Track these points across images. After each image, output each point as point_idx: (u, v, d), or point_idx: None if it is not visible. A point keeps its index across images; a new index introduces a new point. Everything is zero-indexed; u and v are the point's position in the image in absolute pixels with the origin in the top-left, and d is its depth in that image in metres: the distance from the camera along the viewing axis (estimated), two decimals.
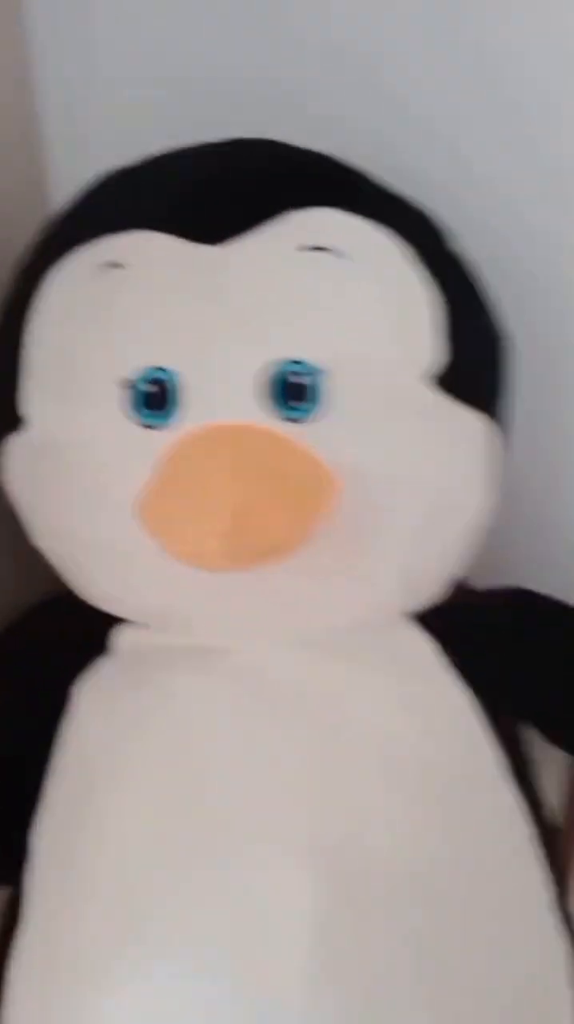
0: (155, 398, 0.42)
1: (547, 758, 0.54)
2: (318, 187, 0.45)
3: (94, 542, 0.45)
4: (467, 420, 0.45)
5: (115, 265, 0.43)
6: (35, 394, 0.44)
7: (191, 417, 0.42)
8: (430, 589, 0.47)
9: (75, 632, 0.48)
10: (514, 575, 0.54)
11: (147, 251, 0.43)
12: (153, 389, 0.42)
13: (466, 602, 0.50)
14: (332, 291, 0.43)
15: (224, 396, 0.42)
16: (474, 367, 0.46)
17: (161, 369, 0.42)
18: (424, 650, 0.47)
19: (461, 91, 0.56)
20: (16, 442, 0.46)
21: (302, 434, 0.41)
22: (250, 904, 0.41)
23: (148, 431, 0.42)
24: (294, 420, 0.42)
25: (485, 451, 0.47)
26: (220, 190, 0.44)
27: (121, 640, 0.47)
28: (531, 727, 0.51)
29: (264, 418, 0.41)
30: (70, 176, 0.59)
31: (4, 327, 0.47)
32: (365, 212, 0.44)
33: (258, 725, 0.44)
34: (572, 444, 0.59)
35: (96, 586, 0.47)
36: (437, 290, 0.45)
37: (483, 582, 0.53)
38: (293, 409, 0.42)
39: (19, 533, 0.48)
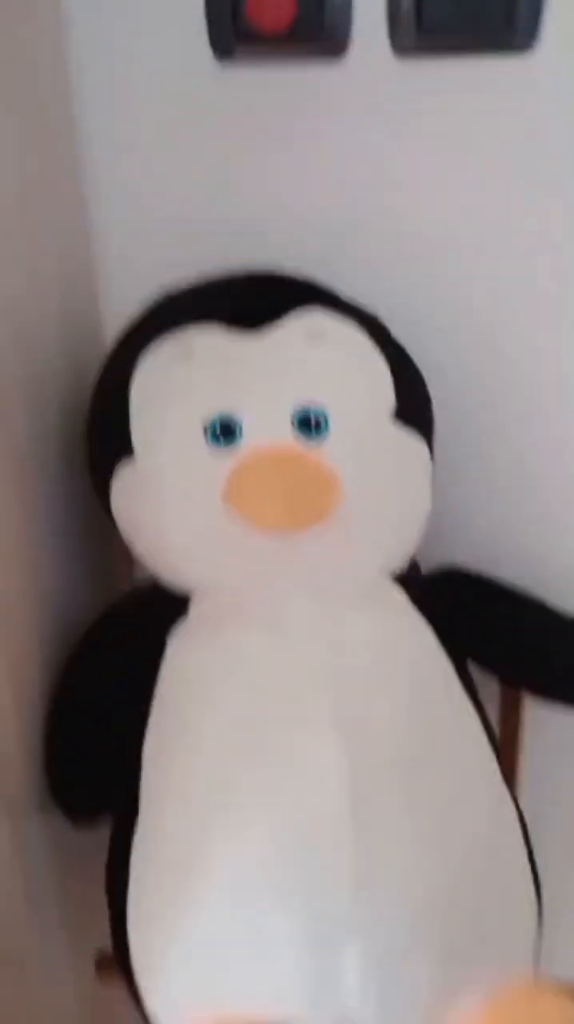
0: (224, 432, 0.65)
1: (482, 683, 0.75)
2: (311, 295, 0.70)
3: (184, 535, 0.66)
4: (414, 443, 0.70)
5: (188, 347, 0.66)
6: (140, 435, 0.67)
7: (248, 444, 0.65)
8: (399, 558, 0.71)
9: (161, 604, 0.69)
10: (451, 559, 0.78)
11: (208, 338, 0.67)
12: (222, 427, 0.65)
13: (418, 574, 0.74)
14: (330, 363, 0.67)
15: (268, 429, 0.65)
16: (413, 409, 0.71)
17: (227, 414, 0.65)
18: (401, 599, 0.70)
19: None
20: (125, 468, 0.67)
21: (317, 451, 0.65)
22: (301, 766, 0.60)
23: (220, 455, 0.65)
24: (312, 442, 0.65)
25: (426, 464, 0.71)
26: (253, 297, 0.69)
27: (196, 608, 0.68)
28: (472, 660, 0.74)
29: (294, 441, 0.65)
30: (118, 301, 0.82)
31: (108, 394, 0.69)
32: (341, 312, 0.70)
33: (296, 659, 0.64)
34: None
35: (183, 570, 0.68)
36: (387, 361, 0.70)
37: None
38: (311, 436, 0.65)
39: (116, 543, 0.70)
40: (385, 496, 0.68)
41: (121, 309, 0.73)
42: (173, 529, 0.67)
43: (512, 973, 0.60)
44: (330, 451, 0.65)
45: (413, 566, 0.73)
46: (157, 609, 0.69)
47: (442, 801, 0.62)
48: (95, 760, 0.68)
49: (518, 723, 0.82)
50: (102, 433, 0.70)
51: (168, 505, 0.66)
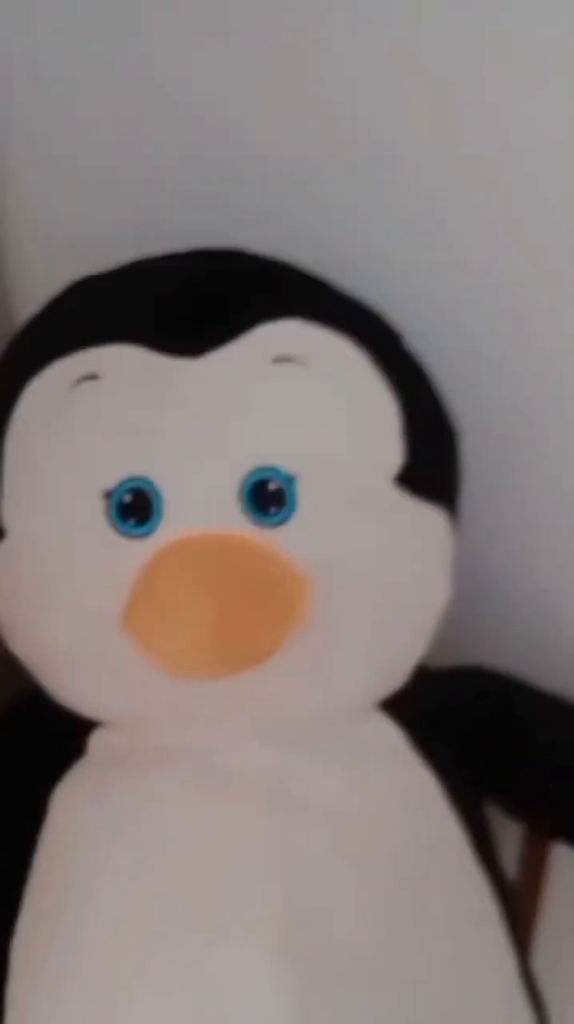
0: (135, 508, 0.43)
1: (503, 827, 0.57)
2: (285, 298, 0.47)
3: (74, 649, 0.46)
4: (427, 515, 0.48)
5: (91, 377, 0.45)
6: (14, 505, 0.46)
7: (170, 526, 0.43)
8: (395, 678, 0.49)
9: (51, 735, 0.49)
10: (470, 652, 0.57)
11: (123, 365, 0.45)
12: (133, 499, 0.43)
13: (426, 685, 0.52)
14: (299, 400, 0.45)
15: (201, 505, 0.43)
16: (432, 464, 0.49)
17: (140, 479, 0.43)
18: (391, 737, 0.49)
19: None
20: None
21: (276, 538, 0.43)
22: (222, 1000, 0.41)
23: (128, 541, 0.43)
24: (269, 525, 0.44)
25: (444, 542, 0.49)
26: (195, 304, 0.46)
27: (96, 743, 0.48)
28: (492, 802, 0.54)
29: (240, 524, 0.43)
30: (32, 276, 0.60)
31: None
32: (327, 321, 0.47)
33: (230, 822, 0.45)
34: (523, 524, 0.62)
35: (71, 690, 0.47)
36: (395, 393, 0.47)
37: (440, 660, 0.55)
38: (267, 515, 0.44)
39: None
40: (382, 600, 0.46)
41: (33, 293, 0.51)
42: (54, 644, 0.46)
43: None
44: (298, 539, 0.44)
45: (419, 674, 0.52)
46: (44, 740, 0.49)
47: None
48: None
49: (542, 869, 0.61)
50: None
51: (48, 611, 0.46)
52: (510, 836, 0.60)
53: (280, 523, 0.44)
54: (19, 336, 0.50)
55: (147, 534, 0.43)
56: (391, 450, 0.46)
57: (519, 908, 0.57)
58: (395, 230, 0.58)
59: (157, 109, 0.59)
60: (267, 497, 0.43)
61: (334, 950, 0.43)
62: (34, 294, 0.52)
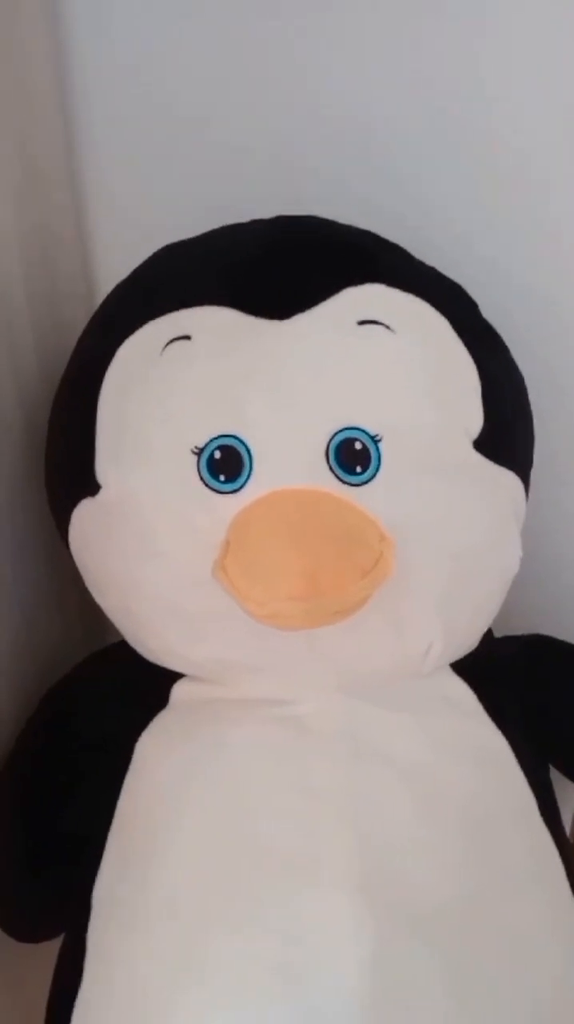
0: (224, 464, 0.44)
1: (565, 791, 0.57)
2: (368, 264, 0.48)
3: (164, 599, 0.46)
4: (504, 479, 0.49)
5: (183, 338, 0.45)
6: (111, 461, 0.46)
7: (259, 483, 0.44)
8: (469, 640, 0.50)
9: (135, 685, 0.50)
10: (530, 621, 0.57)
11: (214, 326, 0.45)
12: (223, 456, 0.44)
13: (494, 649, 0.53)
14: (384, 362, 0.46)
15: (290, 462, 0.44)
16: (509, 430, 0.49)
17: (231, 436, 0.44)
18: (463, 696, 0.50)
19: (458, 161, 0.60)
20: (90, 505, 0.47)
21: (361, 496, 0.44)
22: (303, 945, 0.42)
23: (220, 496, 0.44)
24: (353, 484, 0.44)
25: (518, 507, 0.50)
26: (282, 267, 0.47)
27: (179, 693, 0.49)
28: (555, 766, 0.54)
29: (326, 482, 0.44)
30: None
31: (72, 399, 0.49)
32: (409, 287, 0.48)
33: (308, 770, 0.46)
34: None
35: (160, 641, 0.48)
36: (474, 360, 0.48)
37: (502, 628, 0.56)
38: (352, 473, 0.44)
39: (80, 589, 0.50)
40: (459, 562, 0.47)
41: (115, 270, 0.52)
42: (146, 596, 0.47)
43: None
44: (381, 498, 0.44)
45: (483, 641, 0.53)
46: (129, 691, 0.50)
47: (497, 975, 0.44)
48: (39, 885, 0.51)
49: None
50: (59, 449, 0.50)
51: (141, 563, 0.46)
52: (570, 801, 0.61)
53: (365, 482, 0.44)
54: (108, 300, 0.51)
55: (237, 490, 0.44)
56: (472, 414, 0.47)
57: None
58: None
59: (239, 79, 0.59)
60: (353, 456, 0.44)
61: (408, 899, 0.44)
62: (115, 268, 0.53)
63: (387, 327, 0.46)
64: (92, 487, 0.47)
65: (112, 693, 0.51)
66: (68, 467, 0.49)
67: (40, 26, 0.56)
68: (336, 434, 0.44)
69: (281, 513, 0.43)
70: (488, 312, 0.51)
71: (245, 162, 0.60)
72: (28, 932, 0.53)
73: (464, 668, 0.51)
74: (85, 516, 0.48)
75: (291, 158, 0.60)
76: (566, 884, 0.49)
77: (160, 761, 0.47)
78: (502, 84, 0.57)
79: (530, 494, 0.52)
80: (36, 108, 0.56)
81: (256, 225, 0.50)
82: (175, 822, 0.45)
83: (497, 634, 0.55)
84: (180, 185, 0.61)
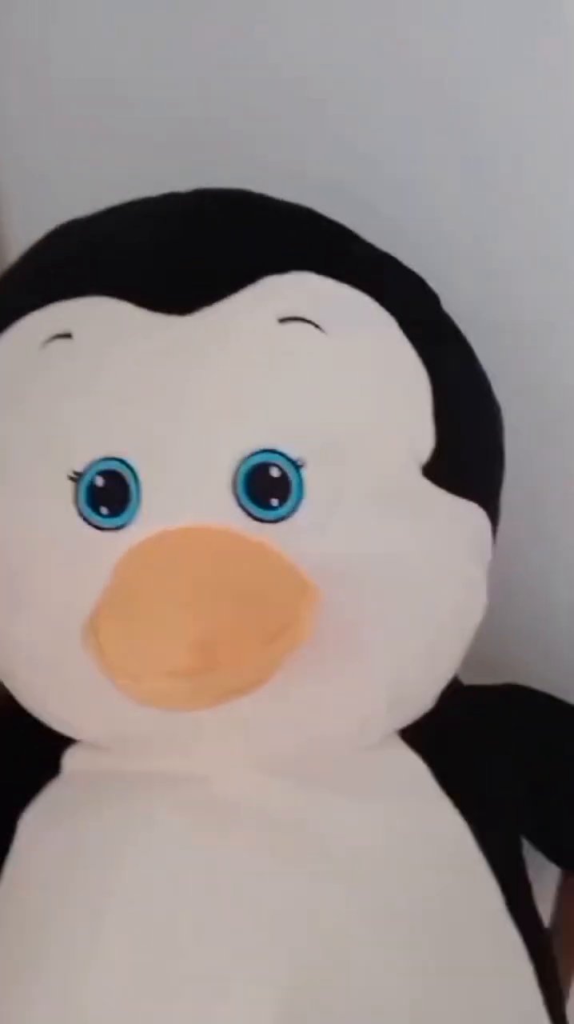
0: (107, 494, 0.36)
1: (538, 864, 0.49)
2: (298, 248, 0.40)
3: (40, 659, 0.39)
4: (461, 511, 0.40)
5: (63, 335, 0.37)
6: None
7: (150, 518, 0.36)
8: (419, 701, 0.42)
9: (23, 750, 0.42)
10: (508, 669, 0.49)
11: (101, 321, 0.37)
12: (106, 484, 0.36)
13: (457, 707, 0.45)
14: (309, 369, 0.38)
15: (186, 493, 0.36)
16: (467, 451, 0.41)
17: (116, 460, 0.36)
18: (414, 771, 0.42)
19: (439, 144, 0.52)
20: None
21: (277, 536, 0.36)
22: None
23: (101, 533, 0.36)
24: (268, 520, 0.36)
25: (480, 543, 0.42)
26: (189, 251, 0.39)
27: (71, 762, 0.42)
28: (528, 839, 0.47)
29: (234, 518, 0.36)
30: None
31: None
32: (350, 277, 0.39)
33: (228, 866, 0.38)
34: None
35: (42, 705, 0.41)
36: (428, 368, 0.40)
37: (472, 677, 0.48)
38: (266, 508, 0.36)
39: None
40: (404, 613, 0.39)
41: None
42: (20, 651, 0.39)
43: None
44: (303, 538, 0.36)
45: (448, 693, 0.44)
46: (16, 756, 0.43)
47: None
48: None
49: None
50: None
51: (12, 612, 0.39)
52: (549, 875, 0.53)
53: (283, 518, 0.36)
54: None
55: (122, 526, 0.36)
56: (420, 432, 0.39)
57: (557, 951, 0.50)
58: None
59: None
60: (267, 486, 0.36)
61: (348, 1011, 0.36)
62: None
63: (315, 325, 0.37)
64: None
65: None
66: None
67: None
68: (247, 459, 0.36)
69: (172, 559, 0.35)
70: (480, 313, 0.43)
71: (178, 133, 0.52)
72: None
73: (417, 734, 0.43)
74: None
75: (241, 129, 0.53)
76: (533, 983, 0.41)
77: (42, 849, 0.40)
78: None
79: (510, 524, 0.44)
80: None
81: (166, 200, 0.42)
82: (68, 925, 0.37)
83: (467, 681, 0.47)
84: (109, 160, 0.53)
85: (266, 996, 0.36)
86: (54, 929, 0.38)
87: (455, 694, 0.45)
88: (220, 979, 0.36)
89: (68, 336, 0.37)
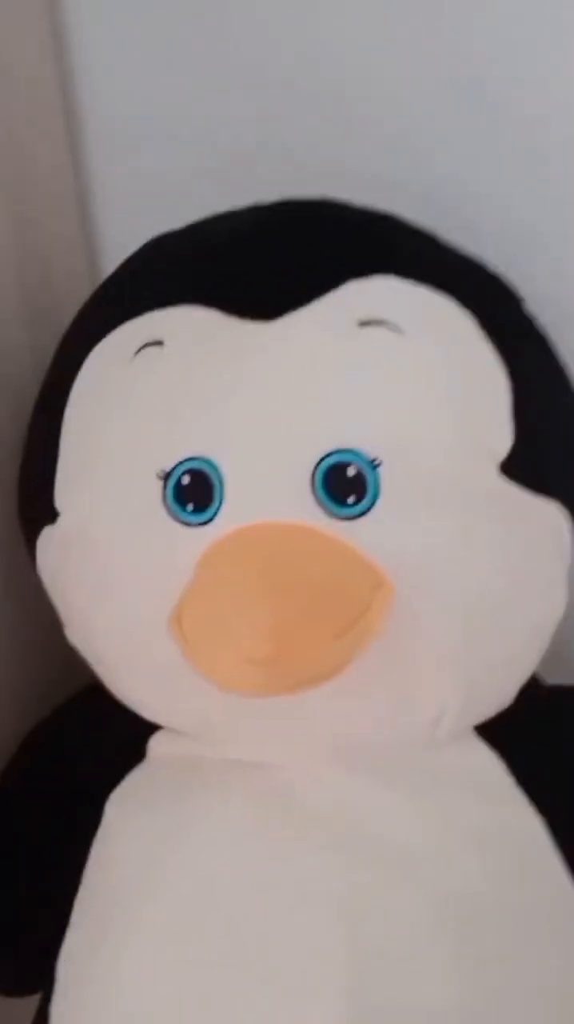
0: (193, 492, 0.38)
1: None
2: (379, 252, 0.40)
3: (126, 647, 0.41)
4: (540, 511, 0.40)
5: (155, 343, 0.39)
6: (69, 484, 0.41)
7: (233, 514, 0.37)
8: (495, 700, 0.42)
9: (110, 736, 0.44)
10: None
11: (190, 329, 0.39)
12: (192, 482, 0.38)
13: (536, 705, 0.45)
14: (388, 371, 0.38)
15: (267, 491, 0.37)
16: (546, 449, 0.41)
17: (201, 459, 0.38)
18: (489, 769, 0.42)
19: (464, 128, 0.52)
20: (50, 534, 0.42)
21: (355, 533, 0.37)
22: None
23: (187, 528, 0.38)
24: (346, 517, 0.37)
25: (560, 542, 0.42)
26: (272, 259, 0.40)
27: (156, 747, 0.44)
28: None
29: (312, 515, 0.37)
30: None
31: (41, 412, 0.44)
32: (427, 279, 0.40)
33: (294, 855, 0.39)
34: None
35: (129, 691, 0.43)
36: (507, 366, 0.40)
37: (553, 675, 0.48)
38: (343, 505, 0.37)
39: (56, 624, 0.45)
40: (479, 610, 0.39)
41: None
42: (108, 640, 0.41)
43: None
44: (379, 535, 0.37)
45: (525, 692, 0.44)
46: (103, 742, 0.45)
47: None
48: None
49: None
50: (25, 468, 0.45)
51: (101, 603, 0.41)
52: None
53: (359, 515, 0.37)
54: (89, 301, 0.45)
55: (206, 522, 0.37)
56: (498, 431, 0.39)
57: None
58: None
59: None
60: (344, 484, 0.37)
61: (412, 1008, 0.37)
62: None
63: (394, 328, 0.38)
64: (51, 514, 0.41)
65: (86, 742, 0.46)
66: (31, 489, 0.44)
67: (37, 15, 0.51)
68: (325, 458, 0.37)
69: (252, 553, 0.36)
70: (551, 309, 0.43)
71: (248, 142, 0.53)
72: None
73: (495, 731, 0.43)
74: (47, 546, 0.43)
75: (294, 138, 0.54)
76: None
77: (127, 832, 0.42)
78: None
79: None
80: (32, 99, 0.51)
81: (251, 211, 0.43)
82: (138, 906, 0.39)
83: (551, 680, 0.47)
84: (186, 173, 0.55)
85: (330, 992, 0.36)
86: (121, 904, 0.40)
87: (535, 692, 0.45)
88: (283, 973, 0.37)
89: (159, 344, 0.39)
